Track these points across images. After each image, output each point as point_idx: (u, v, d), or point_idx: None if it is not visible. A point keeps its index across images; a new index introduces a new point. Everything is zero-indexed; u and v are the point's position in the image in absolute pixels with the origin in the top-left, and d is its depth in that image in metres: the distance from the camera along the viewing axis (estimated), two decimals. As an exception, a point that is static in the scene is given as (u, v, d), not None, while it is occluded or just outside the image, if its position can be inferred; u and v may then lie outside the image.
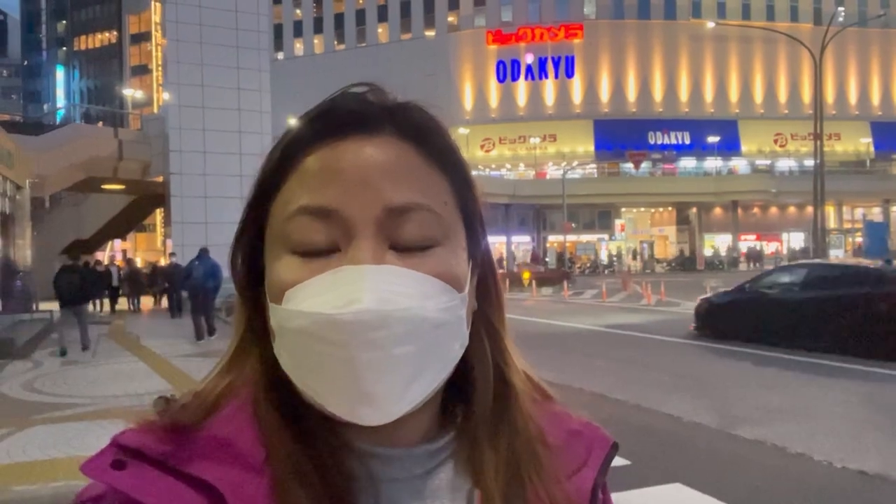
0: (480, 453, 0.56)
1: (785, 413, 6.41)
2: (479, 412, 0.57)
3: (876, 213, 47.24)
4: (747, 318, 11.09)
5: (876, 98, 54.05)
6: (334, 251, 0.51)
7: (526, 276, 28.29)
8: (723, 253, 47.25)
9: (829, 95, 49.65)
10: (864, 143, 52.26)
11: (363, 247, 0.50)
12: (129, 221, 31.97)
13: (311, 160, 0.52)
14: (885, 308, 9.12)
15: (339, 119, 0.53)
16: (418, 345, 0.49)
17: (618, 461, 4.27)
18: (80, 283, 11.61)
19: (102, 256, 36.25)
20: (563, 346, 11.05)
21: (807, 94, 50.26)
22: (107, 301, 21.12)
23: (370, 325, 0.47)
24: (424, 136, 0.54)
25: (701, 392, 7.42)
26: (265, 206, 0.54)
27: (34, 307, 17.21)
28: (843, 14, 32.15)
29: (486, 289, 0.60)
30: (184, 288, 14.08)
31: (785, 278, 11.23)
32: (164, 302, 20.06)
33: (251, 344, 0.56)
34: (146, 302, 22.59)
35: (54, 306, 18.27)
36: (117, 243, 44.90)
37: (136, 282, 22.08)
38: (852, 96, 53.50)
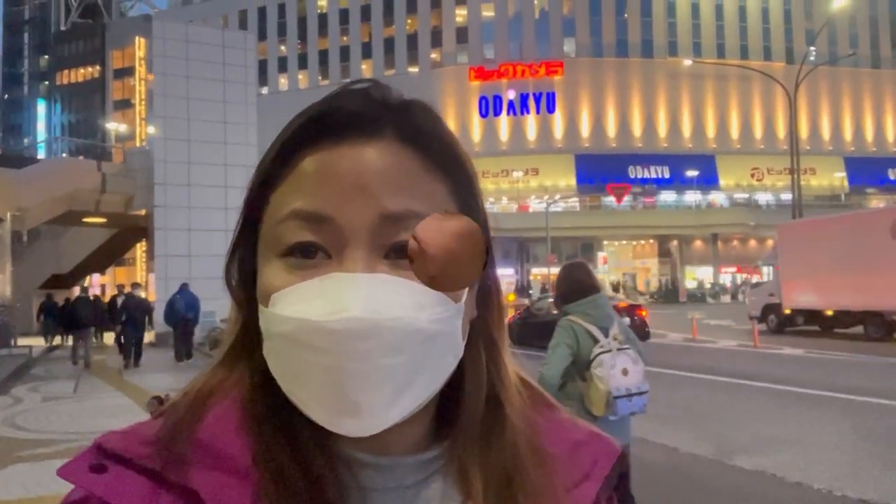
0: (469, 466, 0.54)
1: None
2: (467, 425, 0.54)
3: (852, 246, 48.01)
4: (525, 330, 15.97)
5: (848, 134, 55.46)
6: (326, 258, 0.48)
7: (511, 298, 28.75)
8: (707, 285, 47.97)
9: (804, 131, 50.85)
10: (838, 178, 53.42)
11: (355, 255, 0.48)
12: (109, 255, 31.54)
13: (307, 162, 0.50)
14: None
15: (339, 121, 0.51)
16: (409, 356, 0.46)
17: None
18: (94, 312, 14.61)
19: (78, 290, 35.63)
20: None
21: (781, 130, 51.50)
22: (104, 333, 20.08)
23: (357, 335, 0.44)
24: (426, 139, 0.52)
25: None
26: (261, 206, 0.52)
27: (13, 342, 16.84)
28: (814, 53, 33.13)
29: (488, 297, 0.57)
30: (167, 320, 14.70)
31: (542, 304, 16.53)
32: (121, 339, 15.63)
33: (244, 346, 0.54)
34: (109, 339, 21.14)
35: (33, 341, 17.91)
36: (95, 277, 44.27)
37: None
38: (825, 132, 54.85)
